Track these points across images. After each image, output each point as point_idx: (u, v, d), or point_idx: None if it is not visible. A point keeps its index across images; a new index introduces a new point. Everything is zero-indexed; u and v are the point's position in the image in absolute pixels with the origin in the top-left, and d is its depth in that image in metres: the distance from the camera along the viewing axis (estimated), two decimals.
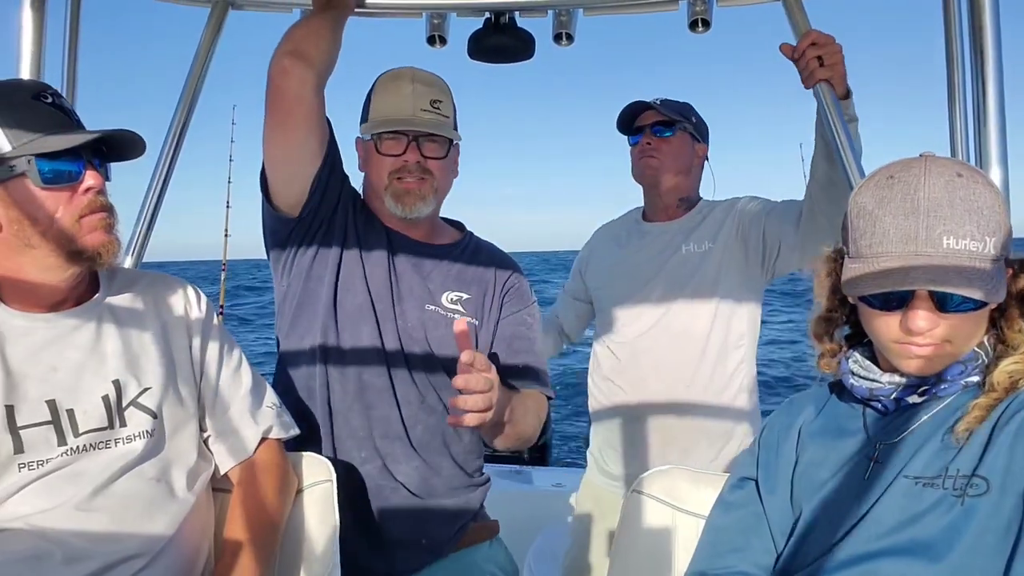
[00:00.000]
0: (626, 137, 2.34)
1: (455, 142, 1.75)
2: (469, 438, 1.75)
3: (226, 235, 7.22)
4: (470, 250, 1.83)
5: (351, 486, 1.61)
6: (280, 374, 1.74)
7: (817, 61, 1.69)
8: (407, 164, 1.67)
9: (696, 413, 2.17)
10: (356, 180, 1.81)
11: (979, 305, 1.09)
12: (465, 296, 1.74)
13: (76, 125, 1.27)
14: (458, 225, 1.90)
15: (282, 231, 1.71)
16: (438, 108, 1.70)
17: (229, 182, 7.03)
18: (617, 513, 1.54)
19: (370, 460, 1.63)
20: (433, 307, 1.71)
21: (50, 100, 1.25)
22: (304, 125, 1.59)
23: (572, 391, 7.83)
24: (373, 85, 1.75)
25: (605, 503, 2.27)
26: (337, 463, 1.60)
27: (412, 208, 1.69)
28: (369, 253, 1.70)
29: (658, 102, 2.27)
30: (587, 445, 2.47)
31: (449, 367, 1.65)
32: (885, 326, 1.13)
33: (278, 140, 1.61)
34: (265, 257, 1.80)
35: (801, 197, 2.05)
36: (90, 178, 1.24)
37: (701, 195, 2.36)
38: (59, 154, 1.22)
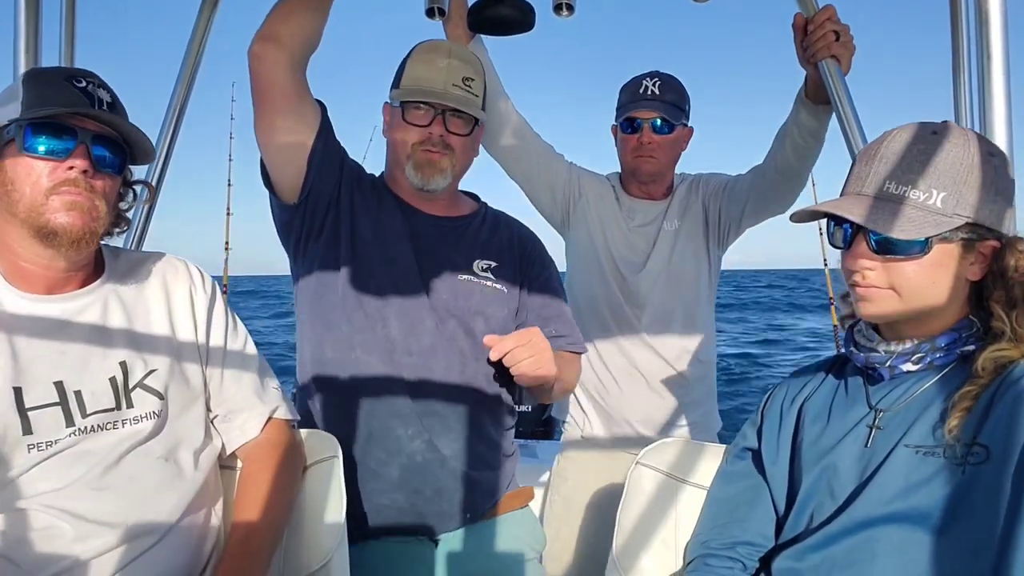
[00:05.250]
0: (618, 117, 2.29)
1: (480, 121, 1.76)
2: (504, 405, 1.78)
3: (228, 214, 7.22)
4: (489, 220, 1.86)
5: (399, 463, 1.63)
6: (305, 364, 1.73)
7: (834, 35, 1.72)
8: (431, 136, 1.68)
9: (679, 380, 2.28)
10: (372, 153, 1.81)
11: (913, 251, 1.11)
12: (494, 264, 1.78)
13: (100, 111, 1.25)
14: (474, 196, 1.92)
15: (286, 218, 1.72)
16: (469, 86, 1.71)
17: (230, 159, 7.01)
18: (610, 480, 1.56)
19: (417, 436, 1.64)
20: (466, 276, 1.73)
21: (83, 84, 1.24)
22: (284, 107, 1.60)
23: None
24: (409, 53, 1.75)
25: (597, 471, 2.31)
26: (383, 443, 1.62)
27: (431, 180, 1.70)
28: (388, 234, 1.71)
29: (656, 86, 2.21)
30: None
31: (482, 335, 1.69)
32: (843, 268, 1.20)
33: (263, 124, 1.62)
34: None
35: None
36: (77, 157, 1.23)
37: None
38: (56, 130, 1.21)
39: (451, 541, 1.68)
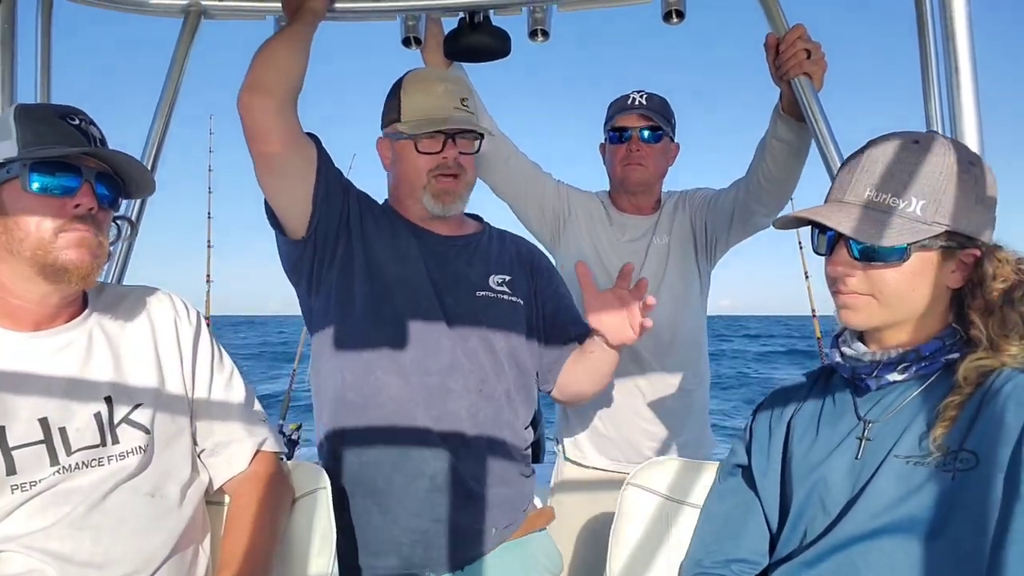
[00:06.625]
0: (606, 129, 2.33)
1: (483, 136, 1.80)
2: (523, 423, 1.78)
3: (209, 246, 7.18)
4: (496, 236, 1.90)
5: (422, 487, 1.63)
6: (326, 392, 1.73)
7: (805, 53, 1.75)
8: (446, 161, 1.71)
9: (672, 395, 2.28)
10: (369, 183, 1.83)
11: (892, 259, 1.13)
12: (508, 277, 1.80)
13: (102, 149, 1.27)
14: (476, 217, 1.95)
15: (297, 254, 1.73)
16: (467, 106, 1.75)
17: (210, 191, 6.99)
18: (607, 500, 1.58)
19: (440, 457, 1.64)
20: (484, 292, 1.75)
21: (76, 122, 1.26)
22: (281, 151, 1.61)
23: None
24: (400, 86, 1.77)
25: (594, 492, 2.30)
26: (406, 467, 1.62)
27: (450, 206, 1.75)
28: (402, 256, 1.72)
29: (643, 98, 2.27)
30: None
31: (504, 349, 1.73)
32: (826, 275, 1.22)
33: (263, 171, 1.63)
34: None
35: None
36: (83, 195, 1.24)
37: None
38: (59, 168, 1.22)
39: (473, 569, 1.67)
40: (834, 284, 1.20)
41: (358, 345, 1.67)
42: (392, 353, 1.66)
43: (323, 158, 1.68)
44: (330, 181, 1.68)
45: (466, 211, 1.91)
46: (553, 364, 1.85)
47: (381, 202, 1.85)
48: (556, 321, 1.85)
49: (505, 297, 1.77)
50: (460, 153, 1.73)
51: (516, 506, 1.75)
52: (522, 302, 1.80)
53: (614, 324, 1.67)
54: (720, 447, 2.39)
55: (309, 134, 1.68)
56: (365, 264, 1.70)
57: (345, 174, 1.79)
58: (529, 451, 1.83)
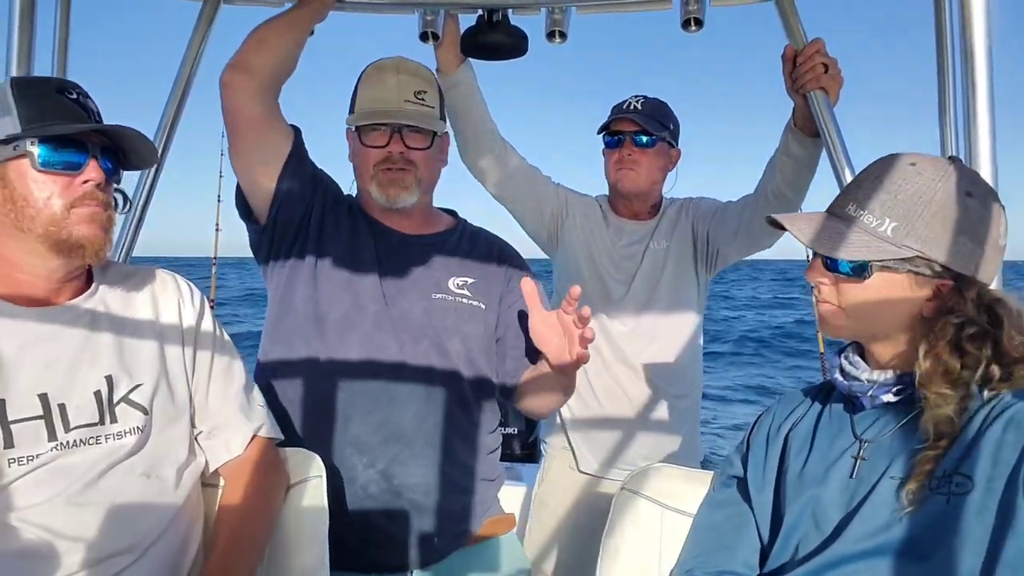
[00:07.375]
0: (601, 136, 2.33)
1: (439, 133, 1.75)
2: (482, 428, 1.74)
3: (217, 229, 7.20)
4: (467, 236, 1.84)
5: (352, 492, 1.60)
6: (265, 386, 1.69)
7: (823, 67, 1.75)
8: (391, 155, 1.68)
9: (664, 403, 2.28)
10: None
11: (855, 274, 1.14)
12: (470, 280, 1.75)
13: (94, 123, 1.28)
14: (451, 213, 1.91)
15: (255, 239, 1.73)
16: (423, 99, 1.71)
17: (221, 175, 7.01)
18: (592, 505, 1.56)
19: (372, 465, 1.60)
20: (440, 295, 1.70)
21: (74, 96, 1.27)
22: (253, 134, 1.62)
23: None
24: (360, 76, 1.76)
25: (579, 496, 2.30)
26: (336, 471, 1.60)
27: (396, 198, 1.69)
28: (355, 258, 1.69)
29: (639, 103, 2.26)
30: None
31: (460, 353, 1.68)
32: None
33: (234, 150, 1.64)
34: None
35: None
36: (91, 171, 1.25)
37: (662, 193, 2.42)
38: (65, 144, 1.23)
39: (429, 572, 1.65)
40: (812, 292, 1.22)
41: (298, 346, 1.66)
42: (333, 358, 1.63)
43: (296, 151, 1.67)
44: (297, 176, 1.67)
45: (443, 206, 1.88)
46: (513, 372, 1.78)
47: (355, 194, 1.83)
48: (519, 330, 1.77)
49: (464, 301, 1.71)
50: (409, 148, 1.68)
51: (472, 514, 1.70)
52: (483, 306, 1.73)
53: (554, 345, 1.56)
54: (707, 446, 2.39)
55: (292, 126, 1.67)
56: (314, 266, 1.68)
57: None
58: (496, 453, 1.80)
